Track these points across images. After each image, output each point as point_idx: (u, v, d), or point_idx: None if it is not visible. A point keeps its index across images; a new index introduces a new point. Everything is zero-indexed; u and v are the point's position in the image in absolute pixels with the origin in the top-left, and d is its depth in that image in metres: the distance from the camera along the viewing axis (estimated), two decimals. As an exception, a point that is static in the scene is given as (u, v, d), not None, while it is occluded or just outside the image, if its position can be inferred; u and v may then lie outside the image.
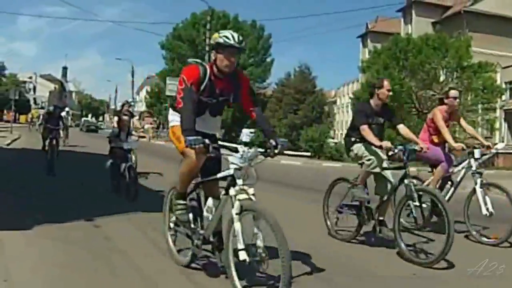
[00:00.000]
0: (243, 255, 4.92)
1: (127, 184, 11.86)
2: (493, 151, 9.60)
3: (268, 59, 63.15)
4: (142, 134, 17.07)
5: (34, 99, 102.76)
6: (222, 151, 5.59)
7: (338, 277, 6.16)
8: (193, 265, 6.05)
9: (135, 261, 6.30)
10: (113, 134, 13.56)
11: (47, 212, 9.03)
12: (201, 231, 5.82)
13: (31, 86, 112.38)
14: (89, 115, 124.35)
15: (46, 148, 16.95)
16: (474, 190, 8.82)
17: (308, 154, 39.84)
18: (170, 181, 6.46)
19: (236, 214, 5.03)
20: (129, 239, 7.58)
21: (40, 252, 6.48)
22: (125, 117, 14.02)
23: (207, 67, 5.96)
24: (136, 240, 7.55)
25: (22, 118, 75.67)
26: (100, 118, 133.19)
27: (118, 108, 23.98)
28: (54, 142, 16.94)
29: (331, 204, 8.77)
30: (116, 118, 16.51)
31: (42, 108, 56.11)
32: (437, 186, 9.39)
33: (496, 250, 8.01)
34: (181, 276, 5.83)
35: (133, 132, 14.49)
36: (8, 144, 28.09)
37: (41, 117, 30.15)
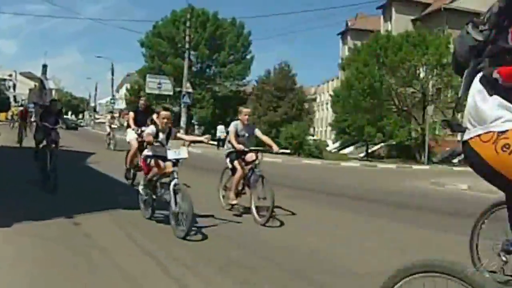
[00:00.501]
0: None
1: (177, 214, 7.96)
2: None
3: (248, 57, 63.50)
4: (200, 138, 11.33)
5: (14, 96, 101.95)
6: None
7: (316, 275, 6.14)
8: (180, 268, 6.01)
9: (114, 259, 6.25)
10: (152, 133, 8.84)
11: (26, 210, 8.94)
12: None
13: (11, 83, 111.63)
14: (69, 113, 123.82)
15: (43, 150, 14.29)
16: None
17: (288, 151, 39.86)
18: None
19: None
20: (109, 237, 7.53)
21: (19, 249, 6.42)
22: (165, 113, 9.38)
23: None
24: (116, 238, 7.50)
25: (2, 115, 75.05)
26: (80, 116, 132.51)
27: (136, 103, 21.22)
28: (53, 145, 13.14)
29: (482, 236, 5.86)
30: (132, 114, 14.29)
31: (22, 106, 55.75)
32: None
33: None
34: (164, 276, 5.76)
35: (180, 134, 9.87)
36: (-13, 142, 27.86)
37: (17, 113, 29.07)
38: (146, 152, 9.32)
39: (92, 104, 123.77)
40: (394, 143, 44.64)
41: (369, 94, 42.11)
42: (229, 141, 10.93)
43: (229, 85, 62.81)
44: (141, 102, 14.77)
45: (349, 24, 74.85)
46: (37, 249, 6.47)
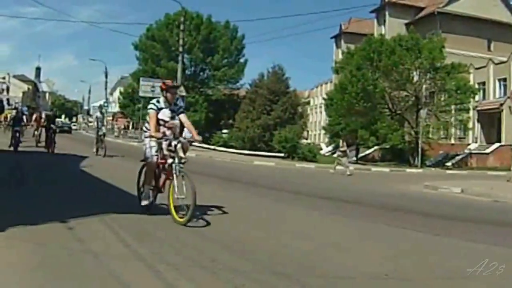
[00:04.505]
0: None
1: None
2: None
3: (241, 60, 63.65)
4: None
5: (8, 99, 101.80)
6: None
7: (307, 278, 6.12)
8: (173, 273, 6.01)
9: (108, 264, 6.20)
10: None
11: (20, 214, 8.90)
12: None
13: (4, 86, 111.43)
14: (63, 116, 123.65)
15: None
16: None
17: (281, 155, 39.88)
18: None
19: None
20: (102, 241, 7.47)
21: (12, 254, 6.37)
22: None
23: None
24: (109, 242, 7.44)
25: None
26: (74, 119, 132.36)
27: None
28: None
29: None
30: None
31: (16, 108, 55.32)
32: None
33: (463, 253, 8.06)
34: (158, 281, 5.70)
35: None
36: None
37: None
38: None
39: (86, 107, 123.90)
40: (387, 146, 44.71)
41: (363, 98, 42.18)
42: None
43: (223, 88, 62.93)
44: None
45: (342, 27, 75.17)
46: (30, 254, 6.43)
